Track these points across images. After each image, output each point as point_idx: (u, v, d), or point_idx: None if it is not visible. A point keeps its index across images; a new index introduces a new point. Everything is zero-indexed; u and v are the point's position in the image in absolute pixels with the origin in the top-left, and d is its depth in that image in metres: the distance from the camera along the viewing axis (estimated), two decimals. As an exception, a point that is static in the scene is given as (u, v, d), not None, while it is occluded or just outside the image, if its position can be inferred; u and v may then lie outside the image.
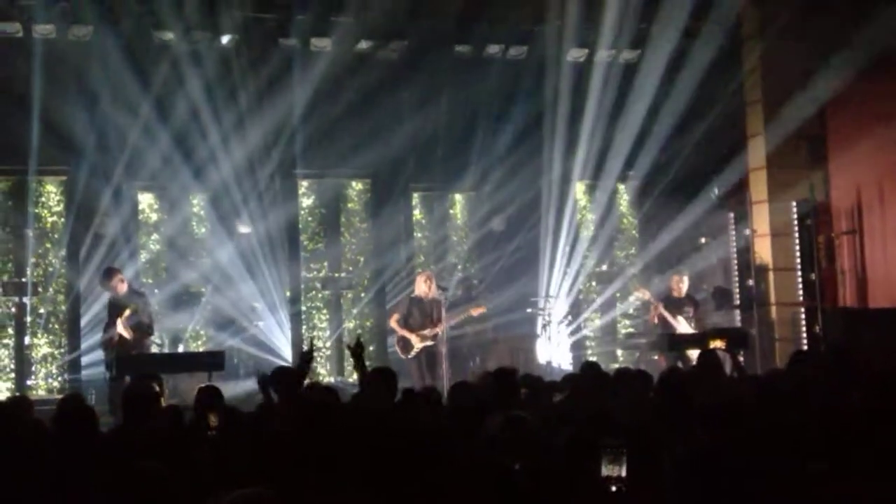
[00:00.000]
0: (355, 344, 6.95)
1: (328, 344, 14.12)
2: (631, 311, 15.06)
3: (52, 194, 13.25)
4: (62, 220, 13.21)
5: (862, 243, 13.06)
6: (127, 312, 10.36)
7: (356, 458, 4.14)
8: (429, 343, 11.49)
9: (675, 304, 11.89)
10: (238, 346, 13.14)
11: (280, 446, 4.48)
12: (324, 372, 13.88)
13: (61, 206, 13.23)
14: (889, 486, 3.70)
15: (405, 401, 6.19)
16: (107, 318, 10.83)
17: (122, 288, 10.70)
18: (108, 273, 10.90)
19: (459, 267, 14.68)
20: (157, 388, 6.85)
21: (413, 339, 11.50)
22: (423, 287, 11.66)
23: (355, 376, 7.25)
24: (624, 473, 3.75)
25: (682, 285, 12.05)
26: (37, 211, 13.17)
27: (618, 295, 14.99)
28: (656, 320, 11.80)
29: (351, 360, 7.21)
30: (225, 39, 13.01)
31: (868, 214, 13.01)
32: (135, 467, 3.42)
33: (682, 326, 11.68)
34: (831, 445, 4.28)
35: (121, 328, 10.29)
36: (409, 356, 11.54)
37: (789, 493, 3.50)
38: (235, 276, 13.40)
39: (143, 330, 10.61)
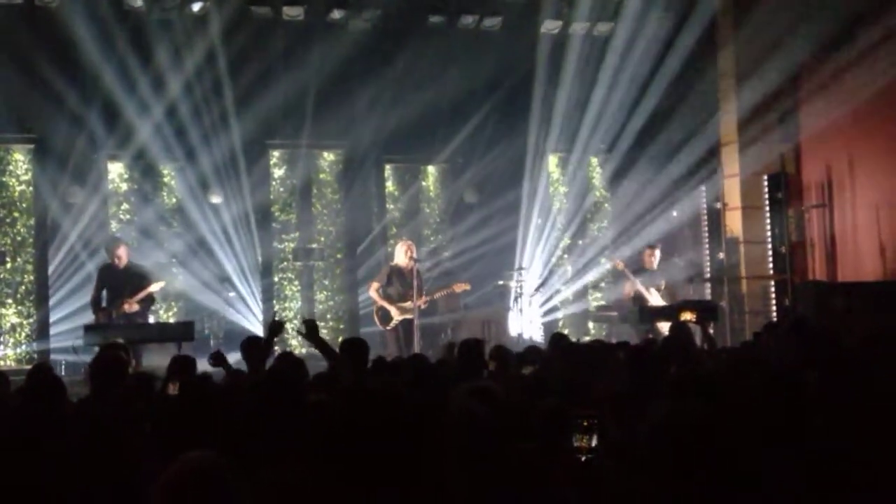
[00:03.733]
0: (306, 328, 6.49)
1: (299, 315, 14.06)
2: (603, 284, 15.10)
3: (19, 163, 13.07)
4: (30, 189, 13.05)
5: (832, 216, 13.15)
6: (154, 288, 10.81)
7: (320, 432, 4.10)
8: (408, 316, 11.46)
9: (646, 277, 11.93)
10: (209, 316, 13.10)
11: (239, 417, 4.42)
12: (295, 343, 13.83)
13: (29, 174, 13.06)
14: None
15: (376, 371, 6.16)
16: (96, 284, 11.04)
17: (125, 260, 10.92)
18: (116, 241, 11.23)
19: (432, 239, 14.65)
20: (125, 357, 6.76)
21: (393, 310, 11.46)
22: (403, 256, 11.61)
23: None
24: (594, 444, 3.76)
25: (654, 258, 12.08)
26: (4, 180, 12.99)
27: (590, 268, 15.00)
28: (631, 294, 11.82)
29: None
30: (196, 7, 12.85)
31: (838, 188, 13.10)
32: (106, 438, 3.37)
33: (654, 299, 11.73)
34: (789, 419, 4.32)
35: (129, 305, 10.62)
36: (388, 327, 11.51)
37: (761, 461, 3.52)
38: (206, 246, 13.31)
39: (150, 301, 11.05)
